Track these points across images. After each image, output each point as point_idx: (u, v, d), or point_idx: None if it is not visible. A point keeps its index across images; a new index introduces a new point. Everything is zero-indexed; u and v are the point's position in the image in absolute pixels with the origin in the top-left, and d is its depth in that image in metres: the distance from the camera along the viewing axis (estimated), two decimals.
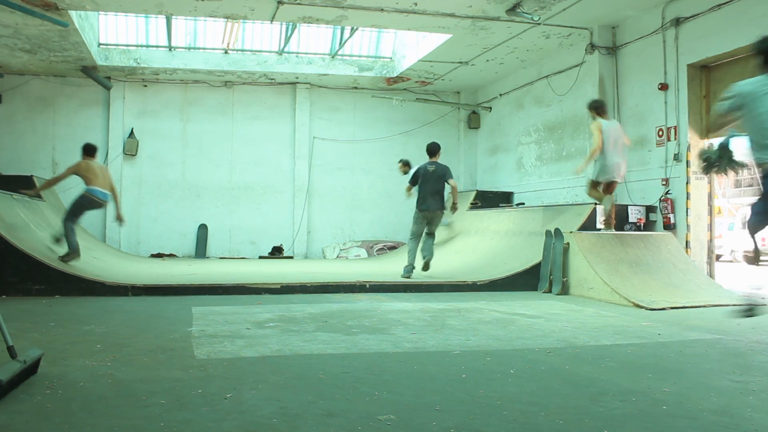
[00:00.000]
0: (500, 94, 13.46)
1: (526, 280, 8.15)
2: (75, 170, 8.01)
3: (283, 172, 13.94)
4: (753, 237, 4.56)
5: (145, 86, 13.40)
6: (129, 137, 13.15)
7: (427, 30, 10.51)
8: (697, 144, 8.63)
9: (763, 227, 4.58)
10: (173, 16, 10.88)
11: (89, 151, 8.20)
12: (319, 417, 2.66)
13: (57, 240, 7.93)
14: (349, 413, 2.73)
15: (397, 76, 13.24)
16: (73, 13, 9.71)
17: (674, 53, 8.78)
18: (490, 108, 14.03)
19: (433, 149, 8.95)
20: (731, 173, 4.83)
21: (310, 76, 13.41)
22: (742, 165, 4.67)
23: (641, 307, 6.44)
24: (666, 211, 8.72)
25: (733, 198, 29.67)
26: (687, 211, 8.52)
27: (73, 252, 7.58)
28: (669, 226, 8.65)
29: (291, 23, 11.44)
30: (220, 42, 12.62)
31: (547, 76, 11.75)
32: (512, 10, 9.11)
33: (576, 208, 8.96)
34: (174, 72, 12.87)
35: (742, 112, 4.24)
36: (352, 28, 11.31)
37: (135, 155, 13.21)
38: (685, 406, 2.92)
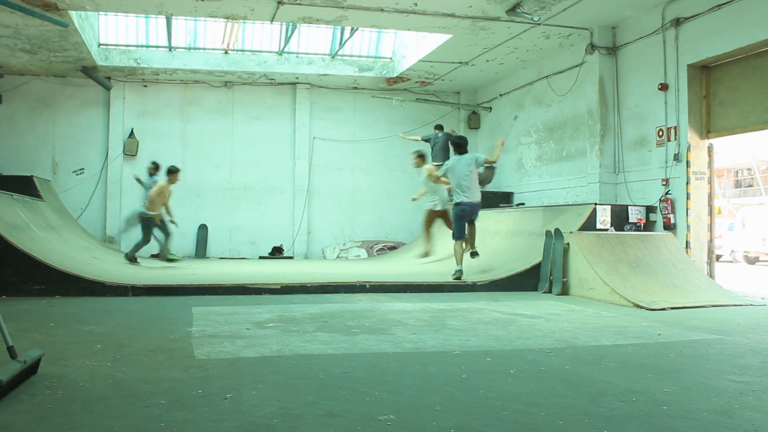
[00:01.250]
0: (500, 95, 13.46)
1: (526, 281, 8.15)
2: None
3: (283, 172, 13.95)
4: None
5: (145, 86, 13.40)
6: (129, 137, 13.16)
7: (427, 30, 10.51)
8: (697, 144, 8.64)
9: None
10: (173, 17, 10.88)
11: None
12: (319, 417, 2.66)
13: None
14: (349, 413, 2.73)
15: (397, 77, 13.24)
16: (73, 14, 9.72)
17: (674, 53, 8.78)
18: (490, 108, 14.03)
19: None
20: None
21: (310, 77, 13.41)
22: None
23: (641, 307, 6.44)
24: (666, 212, 8.72)
25: (733, 198, 29.67)
26: (687, 212, 8.52)
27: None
28: (669, 227, 8.65)
29: (291, 23, 11.45)
30: (220, 42, 12.62)
31: (547, 77, 11.76)
32: (512, 10, 9.11)
33: (576, 208, 8.96)
34: (174, 72, 12.88)
35: (450, 173, 8.38)
36: (352, 29, 11.31)
37: (135, 155, 13.20)
38: (685, 407, 2.92)
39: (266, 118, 13.96)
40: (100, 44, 12.12)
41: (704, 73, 8.69)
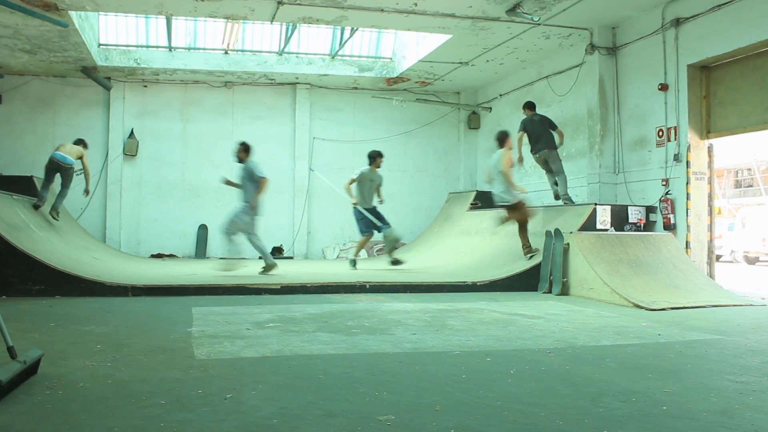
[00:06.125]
0: (500, 95, 13.45)
1: (526, 281, 8.15)
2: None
3: (283, 172, 13.94)
4: None
5: (145, 86, 13.40)
6: (129, 137, 13.15)
7: (427, 30, 10.51)
8: (697, 144, 8.64)
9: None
10: (173, 17, 10.88)
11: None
12: (319, 417, 2.66)
13: None
14: (349, 413, 2.73)
15: (397, 77, 13.24)
16: (73, 14, 9.71)
17: (674, 53, 8.78)
18: (490, 108, 14.03)
19: (530, 106, 10.01)
20: None
21: (310, 77, 13.41)
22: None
23: (641, 307, 6.44)
24: (666, 212, 8.72)
25: (733, 198, 29.67)
26: (687, 212, 8.52)
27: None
28: (669, 227, 8.65)
29: (291, 24, 11.44)
30: (220, 42, 12.61)
31: (547, 77, 11.75)
32: (512, 10, 9.11)
33: (576, 208, 8.96)
34: (174, 72, 12.87)
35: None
36: (352, 29, 11.31)
37: (135, 155, 13.20)
38: (685, 407, 2.92)
39: (266, 118, 13.95)
40: (100, 44, 12.12)
41: (704, 73, 8.69)
